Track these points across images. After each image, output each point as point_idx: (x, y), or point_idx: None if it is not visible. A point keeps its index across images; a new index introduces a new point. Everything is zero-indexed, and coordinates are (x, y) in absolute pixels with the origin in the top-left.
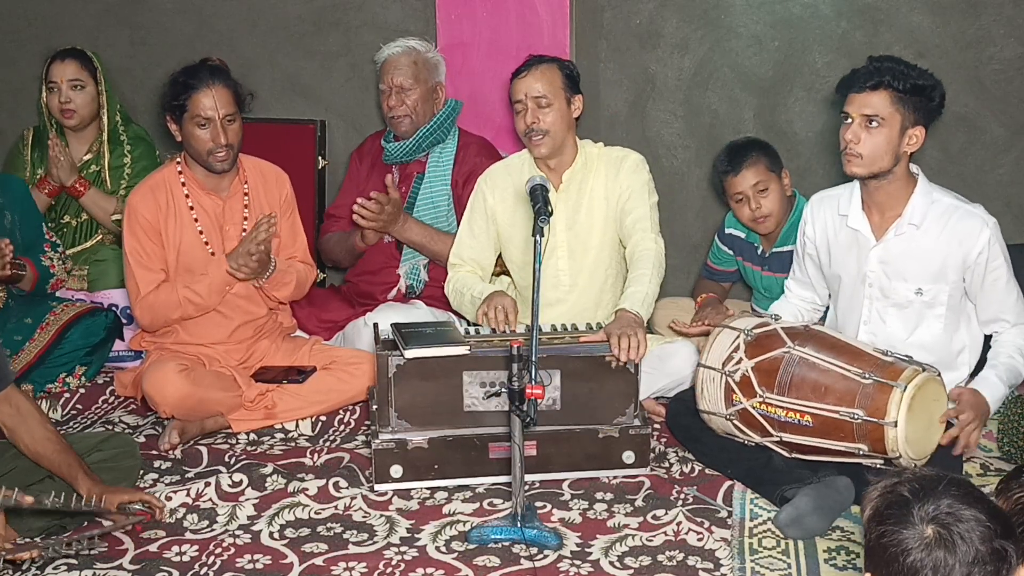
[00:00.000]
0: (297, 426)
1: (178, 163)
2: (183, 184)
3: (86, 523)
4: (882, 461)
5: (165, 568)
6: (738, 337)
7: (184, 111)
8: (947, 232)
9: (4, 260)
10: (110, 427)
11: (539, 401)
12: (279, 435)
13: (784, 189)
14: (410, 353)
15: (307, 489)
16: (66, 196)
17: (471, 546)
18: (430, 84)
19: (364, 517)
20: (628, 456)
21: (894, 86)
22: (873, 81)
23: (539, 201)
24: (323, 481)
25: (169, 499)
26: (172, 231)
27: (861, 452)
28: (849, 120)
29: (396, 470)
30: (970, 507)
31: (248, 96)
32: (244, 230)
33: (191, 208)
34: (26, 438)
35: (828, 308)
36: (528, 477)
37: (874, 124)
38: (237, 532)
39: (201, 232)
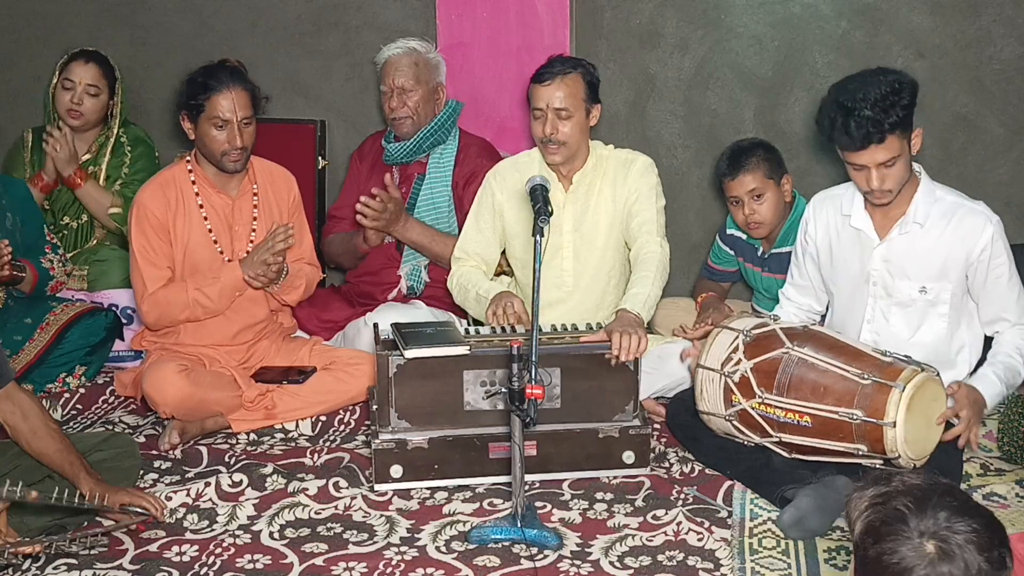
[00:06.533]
0: (297, 426)
1: (188, 161)
2: (193, 182)
3: (86, 523)
4: (881, 461)
5: (165, 568)
6: (737, 338)
7: (201, 111)
8: (951, 230)
9: (2, 261)
10: (110, 427)
11: (539, 401)
12: (279, 435)
13: (783, 195)
14: (410, 353)
15: (307, 489)
16: (66, 198)
17: (471, 546)
18: (431, 85)
19: (364, 517)
20: (628, 456)
21: (896, 130)
22: (878, 135)
23: (539, 201)
24: (323, 481)
25: (169, 499)
26: (180, 229)
27: (860, 452)
28: (863, 168)
29: (396, 470)
30: (967, 518)
31: (264, 99)
32: (253, 230)
33: (200, 206)
34: (28, 436)
35: (825, 313)
36: (528, 477)
37: (892, 165)
38: (237, 532)
39: (211, 230)
